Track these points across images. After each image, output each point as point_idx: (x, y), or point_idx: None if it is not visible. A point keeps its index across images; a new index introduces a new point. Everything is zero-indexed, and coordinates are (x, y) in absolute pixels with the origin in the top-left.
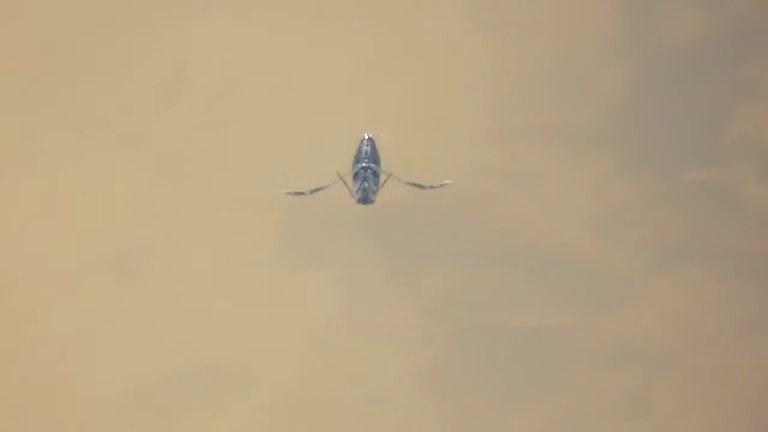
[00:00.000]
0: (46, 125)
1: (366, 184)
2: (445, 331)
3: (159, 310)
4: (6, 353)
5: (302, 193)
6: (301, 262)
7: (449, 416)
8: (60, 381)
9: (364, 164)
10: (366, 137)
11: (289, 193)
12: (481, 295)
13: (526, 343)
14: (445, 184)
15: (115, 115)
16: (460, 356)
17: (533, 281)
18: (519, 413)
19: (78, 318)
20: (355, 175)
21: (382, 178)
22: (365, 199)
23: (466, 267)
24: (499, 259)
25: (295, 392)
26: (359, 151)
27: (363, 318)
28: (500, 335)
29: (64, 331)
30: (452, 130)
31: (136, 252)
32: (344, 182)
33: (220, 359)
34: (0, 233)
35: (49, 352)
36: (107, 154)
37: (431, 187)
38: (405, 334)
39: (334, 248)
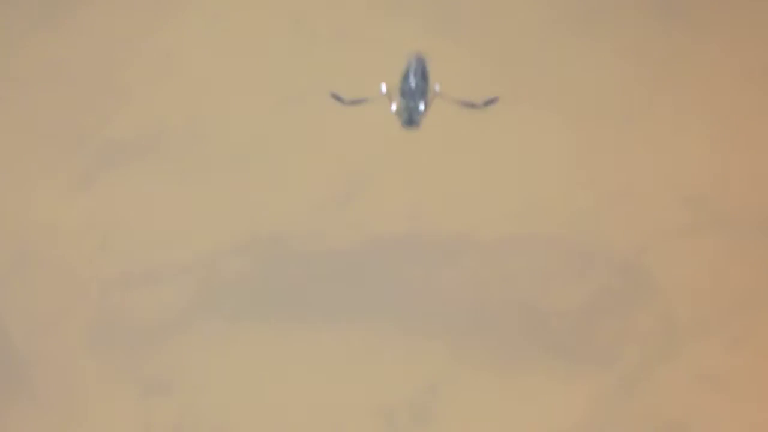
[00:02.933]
0: None
1: (412, 103)
2: None
3: None
4: None
5: (341, 100)
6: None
7: None
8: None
9: (412, 83)
10: (415, 55)
11: (333, 95)
12: None
13: None
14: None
15: None
16: None
17: None
18: None
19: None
20: (402, 94)
21: (430, 97)
22: (410, 120)
23: None
24: None
25: None
26: (407, 68)
27: None
28: None
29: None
30: None
31: None
32: (388, 98)
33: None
34: None
35: None
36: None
37: (484, 104)
38: None
39: None
